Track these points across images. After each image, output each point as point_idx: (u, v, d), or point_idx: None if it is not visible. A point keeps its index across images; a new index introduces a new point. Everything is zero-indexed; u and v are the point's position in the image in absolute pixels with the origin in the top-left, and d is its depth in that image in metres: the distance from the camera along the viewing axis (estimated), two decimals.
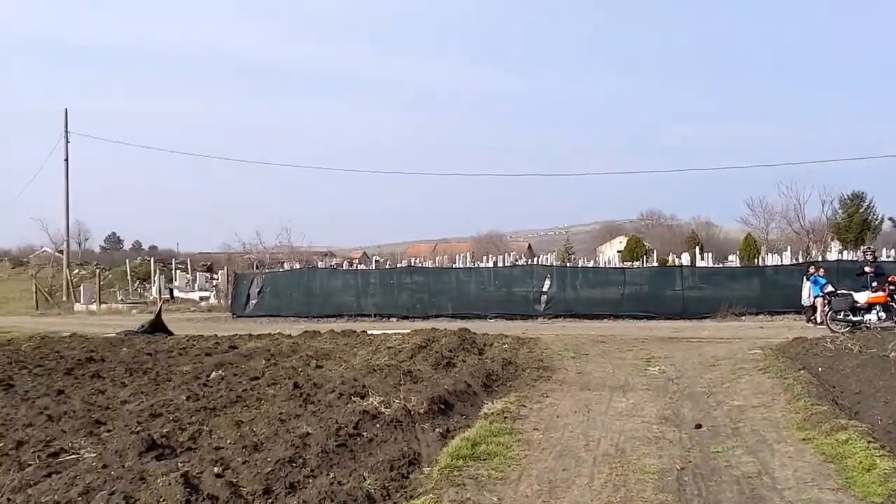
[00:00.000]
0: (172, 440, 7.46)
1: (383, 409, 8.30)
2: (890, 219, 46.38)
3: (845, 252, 34.30)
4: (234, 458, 6.72)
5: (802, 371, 10.48)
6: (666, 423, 8.02)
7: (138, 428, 8.18)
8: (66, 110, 38.61)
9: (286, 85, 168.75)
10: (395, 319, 24.41)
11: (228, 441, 7.41)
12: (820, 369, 10.89)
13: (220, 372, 12.38)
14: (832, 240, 38.95)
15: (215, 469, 6.29)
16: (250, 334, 18.95)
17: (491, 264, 40.75)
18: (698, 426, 7.80)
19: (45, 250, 61.22)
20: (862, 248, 19.29)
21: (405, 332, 17.73)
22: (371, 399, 8.84)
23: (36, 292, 36.24)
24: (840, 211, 43.97)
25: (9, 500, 5.75)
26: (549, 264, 34.74)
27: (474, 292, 24.84)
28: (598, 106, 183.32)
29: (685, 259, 44.27)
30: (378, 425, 7.82)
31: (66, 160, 37.81)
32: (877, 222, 46.81)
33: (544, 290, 23.47)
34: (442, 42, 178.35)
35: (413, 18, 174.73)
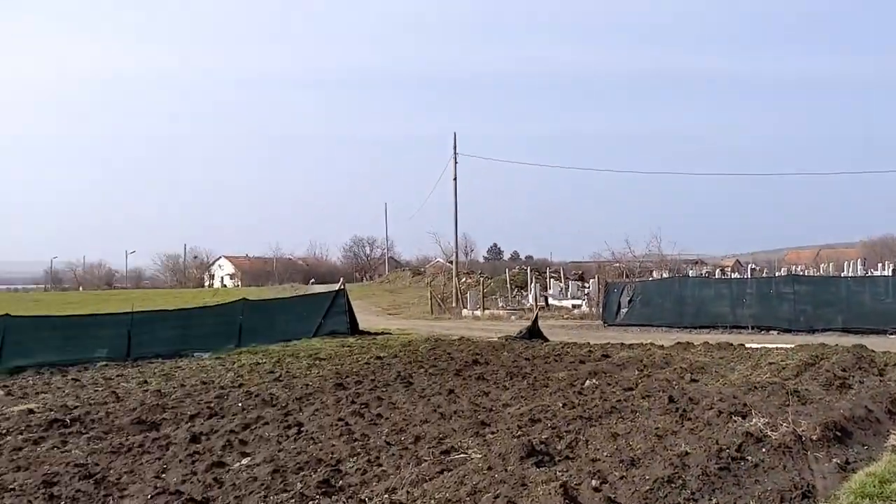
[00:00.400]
0: (551, 447, 7.68)
1: (769, 432, 7.62)
2: None
3: None
4: (611, 471, 6.68)
5: None
6: None
7: (519, 432, 8.60)
8: (454, 134, 42.79)
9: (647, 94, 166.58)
10: (774, 332, 22.47)
11: (605, 453, 7.40)
12: None
13: (593, 381, 12.53)
14: None
15: (593, 482, 6.31)
16: (621, 343, 18.93)
17: (889, 272, 35.65)
18: None
19: (438, 261, 68.46)
20: None
21: (788, 346, 16.23)
22: (754, 420, 8.19)
23: (430, 299, 40.60)
24: None
25: (408, 492, 6.39)
26: None
27: (869, 304, 21.78)
28: None
29: None
30: (763, 449, 7.19)
31: (455, 179, 41.78)
32: None
33: None
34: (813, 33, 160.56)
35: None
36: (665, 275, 37.73)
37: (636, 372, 13.47)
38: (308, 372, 15.23)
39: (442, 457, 7.64)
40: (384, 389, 12.57)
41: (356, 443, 8.52)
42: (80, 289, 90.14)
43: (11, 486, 7.18)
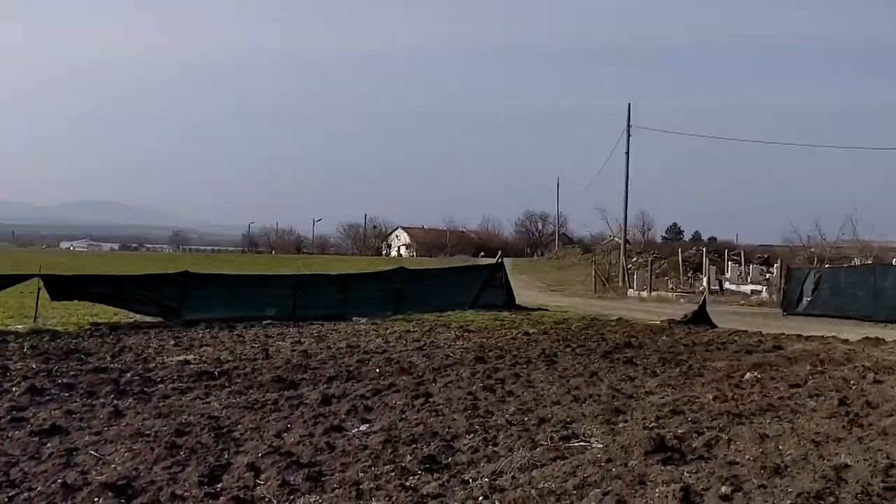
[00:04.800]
0: (684, 444, 6.84)
1: None
2: None
3: None
4: (748, 477, 5.78)
5: None
6: None
7: (654, 423, 7.78)
8: (628, 105, 40.95)
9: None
10: None
11: (747, 456, 6.46)
12: None
13: (755, 373, 11.28)
14: None
15: (723, 488, 5.47)
16: (799, 335, 17.12)
17: None
18: None
19: (614, 239, 66.42)
20: None
21: None
22: None
23: (595, 277, 39.38)
24: None
25: (513, 477, 5.84)
26: None
27: None
28: None
29: None
30: None
31: (627, 153, 40.10)
32: None
33: None
34: None
35: None
36: (867, 262, 34.10)
37: (808, 367, 12.00)
38: (453, 343, 15.01)
39: (561, 443, 7.01)
40: (524, 366, 12.05)
41: (478, 419, 8.08)
42: (273, 252, 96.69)
43: (147, 433, 7.41)
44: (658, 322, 19.98)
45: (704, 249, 43.52)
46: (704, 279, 35.91)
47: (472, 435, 7.35)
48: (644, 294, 33.79)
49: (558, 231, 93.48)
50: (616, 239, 58.58)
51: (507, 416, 8.23)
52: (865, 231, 40.62)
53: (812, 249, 41.30)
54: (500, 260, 25.46)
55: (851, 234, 40.07)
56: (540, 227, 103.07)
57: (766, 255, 47.54)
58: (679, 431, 7.30)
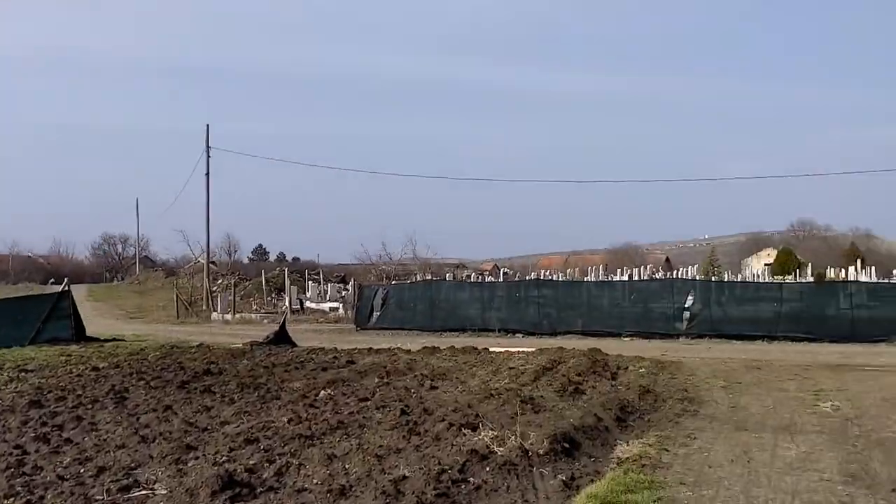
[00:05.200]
0: (255, 476, 6.58)
1: (496, 448, 7.09)
2: None
3: None
4: (315, 503, 5.70)
5: None
6: (854, 483, 6.30)
7: (226, 457, 7.39)
8: (206, 126, 39.87)
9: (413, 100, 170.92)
10: (520, 335, 23.07)
11: (315, 480, 6.43)
12: None
13: (328, 391, 11.56)
14: None
15: None
16: (370, 348, 18.22)
17: (626, 277, 38.63)
18: None
19: (198, 262, 64.25)
20: None
21: (530, 350, 16.40)
22: (483, 433, 7.64)
23: (177, 301, 37.61)
24: None
25: None
26: (690, 278, 32.26)
27: (607, 308, 23.06)
28: (736, 108, 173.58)
29: (850, 274, 40.25)
30: (488, 468, 6.62)
31: (207, 174, 39.08)
32: None
33: (686, 306, 21.38)
34: (577, 52, 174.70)
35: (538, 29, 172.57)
36: (428, 278, 38.02)
37: (376, 380, 12.73)
38: (3, 387, 12.84)
39: (119, 495, 6.24)
40: (89, 407, 10.70)
41: (21, 478, 6.83)
42: None
43: None
44: (240, 345, 19.63)
45: (286, 270, 44.43)
46: (287, 298, 36.60)
47: (12, 500, 6.18)
48: (228, 317, 33.19)
49: (139, 254, 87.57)
50: (200, 261, 56.95)
51: (59, 469, 7.12)
52: (423, 250, 45.43)
53: (384, 267, 44.85)
54: (66, 287, 22.69)
55: (412, 253, 44.51)
56: (120, 250, 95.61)
57: (343, 274, 50.34)
58: (251, 462, 7.03)
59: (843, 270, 44.95)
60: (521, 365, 13.91)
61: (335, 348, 18.14)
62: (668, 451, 7.48)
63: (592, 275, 43.49)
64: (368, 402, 10.42)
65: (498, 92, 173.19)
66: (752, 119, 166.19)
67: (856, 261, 51.48)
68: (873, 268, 45.94)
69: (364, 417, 9.33)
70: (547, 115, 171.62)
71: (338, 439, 8.13)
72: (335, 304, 35.56)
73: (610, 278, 40.65)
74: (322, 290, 40.64)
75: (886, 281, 36.96)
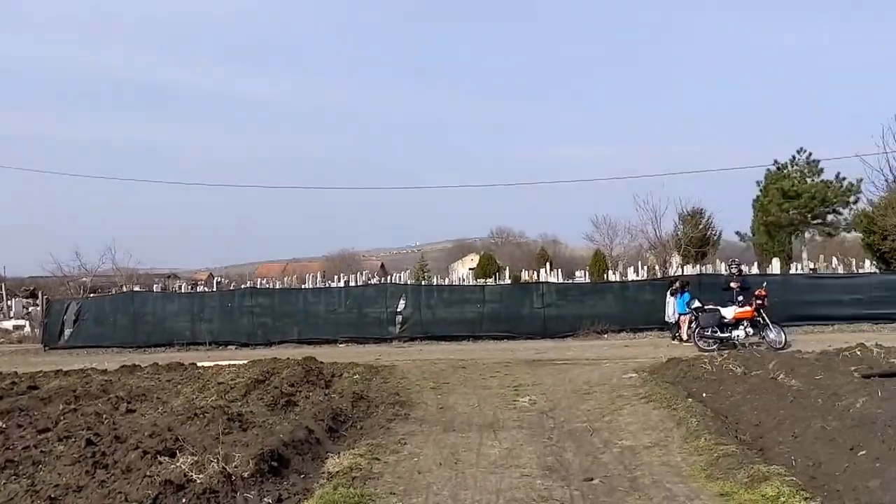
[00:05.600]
0: None
1: (195, 475, 6.39)
2: (736, 233, 48.14)
3: (687, 267, 35.17)
4: None
5: (690, 399, 9.47)
6: (551, 476, 6.61)
7: None
8: None
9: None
10: (233, 348, 21.99)
11: None
12: (705, 395, 9.96)
13: (1, 423, 9.88)
14: (674, 255, 39.84)
15: None
16: (59, 370, 16.09)
17: (342, 284, 38.81)
18: (589, 479, 6.46)
19: None
20: (728, 261, 18.94)
21: (242, 362, 15.59)
22: (181, 460, 6.89)
23: None
24: (681, 226, 45.40)
25: None
26: (402, 283, 33.26)
27: (323, 315, 22.81)
28: (441, 121, 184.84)
29: (542, 276, 44.25)
30: (184, 500, 5.93)
31: None
32: (715, 237, 48.73)
33: (399, 310, 21.93)
34: (283, 57, 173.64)
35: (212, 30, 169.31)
36: (136, 289, 34.91)
37: (62, 406, 11.16)
38: None
39: None
40: None
41: None
42: None
43: None
44: None
45: None
46: None
47: None
48: None
49: None
50: None
51: None
52: (125, 259, 41.62)
53: (84, 279, 40.47)
54: None
55: (112, 263, 40.64)
56: None
57: (32, 288, 44.63)
58: None
59: (535, 273, 49.43)
60: (232, 379, 13.08)
61: (14, 372, 15.74)
62: (378, 459, 7.33)
63: (310, 282, 43.13)
64: (50, 434, 9.04)
65: (209, 95, 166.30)
66: (450, 133, 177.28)
67: (546, 264, 56.96)
68: (560, 270, 51.20)
69: (42, 452, 8.06)
70: (259, 122, 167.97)
71: (3, 481, 6.86)
72: (20, 322, 31.33)
73: (327, 285, 40.58)
74: (6, 307, 35.65)
75: (570, 281, 41.32)
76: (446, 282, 50.50)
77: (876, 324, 19.01)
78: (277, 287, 36.19)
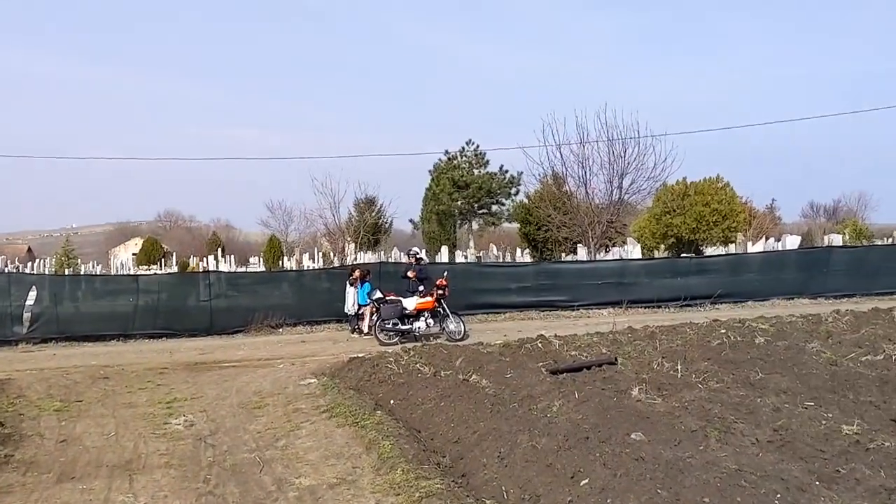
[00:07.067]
0: None
1: None
2: (410, 220, 49.11)
3: (366, 255, 34.83)
4: None
5: (378, 412, 8.09)
6: None
7: None
8: None
9: None
10: None
11: None
12: (393, 402, 8.70)
13: None
14: (349, 242, 39.43)
15: None
16: None
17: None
18: None
19: None
20: (409, 250, 18.17)
21: None
22: None
23: None
24: (355, 213, 45.36)
25: None
26: (37, 273, 28.18)
27: None
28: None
29: (212, 263, 40.98)
30: None
31: None
32: (387, 225, 49.51)
33: (29, 304, 17.87)
34: None
35: None
36: None
37: None
38: None
39: None
40: None
41: None
42: None
43: None
44: None
45: None
46: None
47: None
48: None
49: None
50: None
51: None
52: None
53: None
54: None
55: None
56: None
57: None
58: None
59: (204, 259, 45.96)
60: None
61: None
62: None
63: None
64: None
65: None
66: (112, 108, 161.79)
67: (218, 249, 53.53)
68: (233, 256, 48.35)
69: None
70: None
71: None
72: None
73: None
74: None
75: (244, 269, 38.85)
76: (101, 268, 44.84)
77: (541, 311, 19.74)
78: None
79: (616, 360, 10.16)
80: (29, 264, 44.25)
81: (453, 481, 5.75)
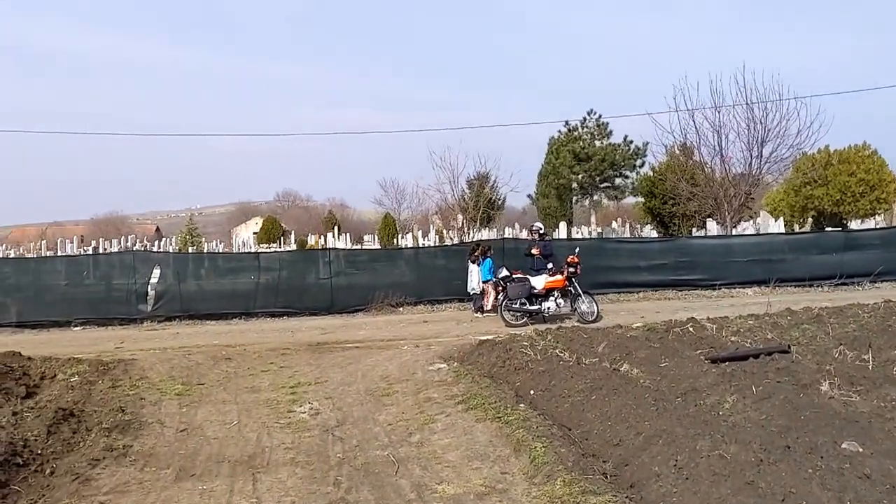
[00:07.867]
0: None
1: None
2: (528, 196, 47.91)
3: (483, 231, 33.97)
4: None
5: (522, 405, 7.14)
6: None
7: None
8: None
9: None
10: None
11: None
12: (534, 393, 7.73)
13: None
14: (462, 218, 38.61)
15: None
16: None
17: (103, 250, 33.62)
18: None
19: None
20: (531, 226, 17.15)
21: None
22: None
23: None
24: (467, 190, 44.56)
25: None
26: (159, 251, 28.83)
27: (57, 289, 18.31)
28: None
29: (330, 241, 41.22)
30: None
31: None
32: (500, 202, 48.45)
33: (153, 282, 18.01)
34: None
35: None
36: None
37: None
38: None
39: None
40: None
41: None
42: None
43: None
44: None
45: None
46: None
47: None
48: None
49: None
50: None
51: None
52: None
53: None
54: None
55: None
56: None
57: None
58: None
59: (322, 237, 46.44)
60: None
61: None
62: None
63: (69, 248, 37.01)
64: None
65: None
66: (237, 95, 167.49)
67: (334, 228, 54.07)
68: (348, 234, 48.61)
69: None
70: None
71: None
72: None
73: (84, 251, 34.92)
74: None
75: (360, 247, 38.78)
76: (223, 247, 46.09)
77: (678, 290, 18.26)
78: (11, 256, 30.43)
79: (789, 347, 8.80)
80: (156, 243, 46.04)
81: (627, 497, 4.72)
